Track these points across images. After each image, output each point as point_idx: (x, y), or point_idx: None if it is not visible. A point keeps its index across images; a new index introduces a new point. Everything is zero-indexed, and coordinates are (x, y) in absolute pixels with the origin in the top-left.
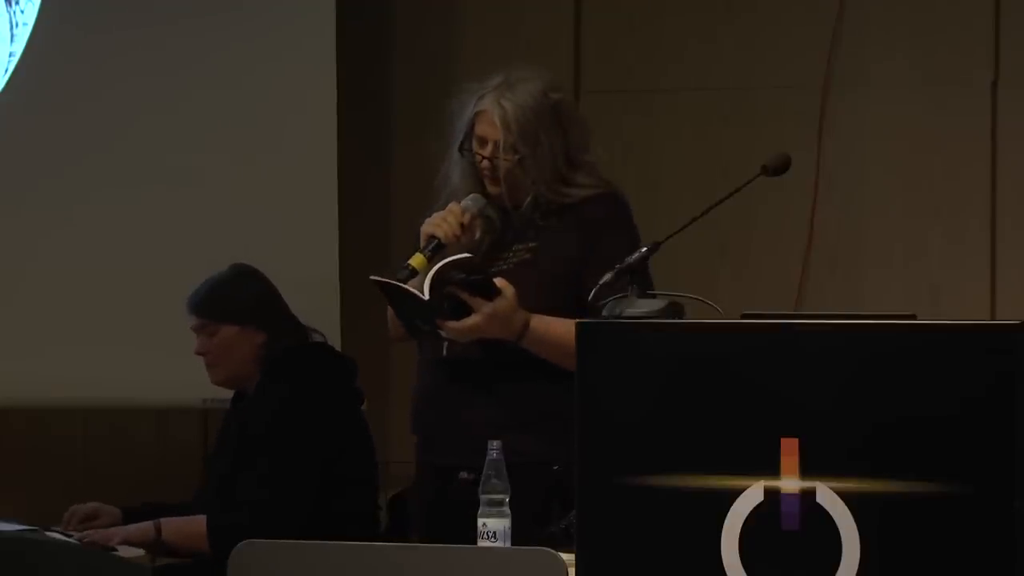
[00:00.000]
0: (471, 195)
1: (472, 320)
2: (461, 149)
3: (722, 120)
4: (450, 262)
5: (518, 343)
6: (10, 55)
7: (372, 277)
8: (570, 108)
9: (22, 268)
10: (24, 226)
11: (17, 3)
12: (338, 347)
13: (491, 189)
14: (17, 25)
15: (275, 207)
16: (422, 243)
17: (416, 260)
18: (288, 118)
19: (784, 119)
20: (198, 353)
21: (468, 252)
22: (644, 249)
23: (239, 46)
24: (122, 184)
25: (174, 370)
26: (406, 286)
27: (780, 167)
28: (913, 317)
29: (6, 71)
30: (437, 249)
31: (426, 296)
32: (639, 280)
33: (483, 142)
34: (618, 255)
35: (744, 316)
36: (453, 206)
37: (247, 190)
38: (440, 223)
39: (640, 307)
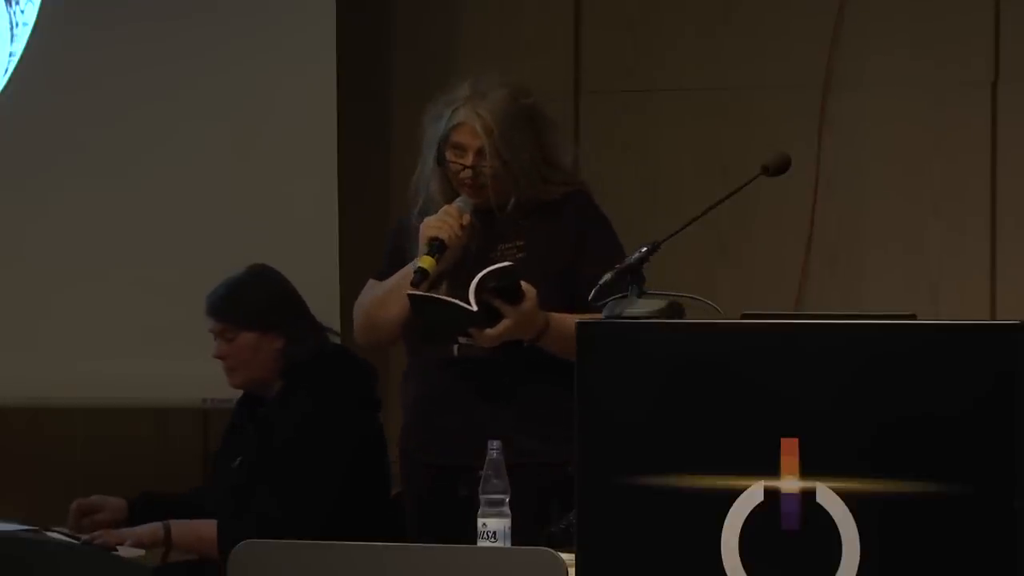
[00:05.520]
0: (460, 197)
1: (503, 326)
2: (439, 160)
3: (722, 120)
4: (489, 272)
5: (536, 342)
6: (10, 55)
7: (409, 292)
8: (542, 111)
9: (22, 267)
10: (24, 225)
11: (17, 3)
12: None
13: (470, 197)
14: (17, 25)
15: (275, 206)
16: (422, 246)
17: (426, 262)
18: (287, 117)
19: (784, 119)
20: (217, 357)
21: (456, 257)
22: (644, 249)
23: (238, 43)
24: (121, 184)
25: (174, 370)
26: (452, 299)
27: (780, 167)
28: (913, 317)
29: (6, 71)
30: (440, 251)
31: (474, 308)
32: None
33: (462, 152)
34: (607, 247)
35: (744, 316)
36: (450, 208)
37: (247, 189)
38: (441, 225)
39: (640, 307)
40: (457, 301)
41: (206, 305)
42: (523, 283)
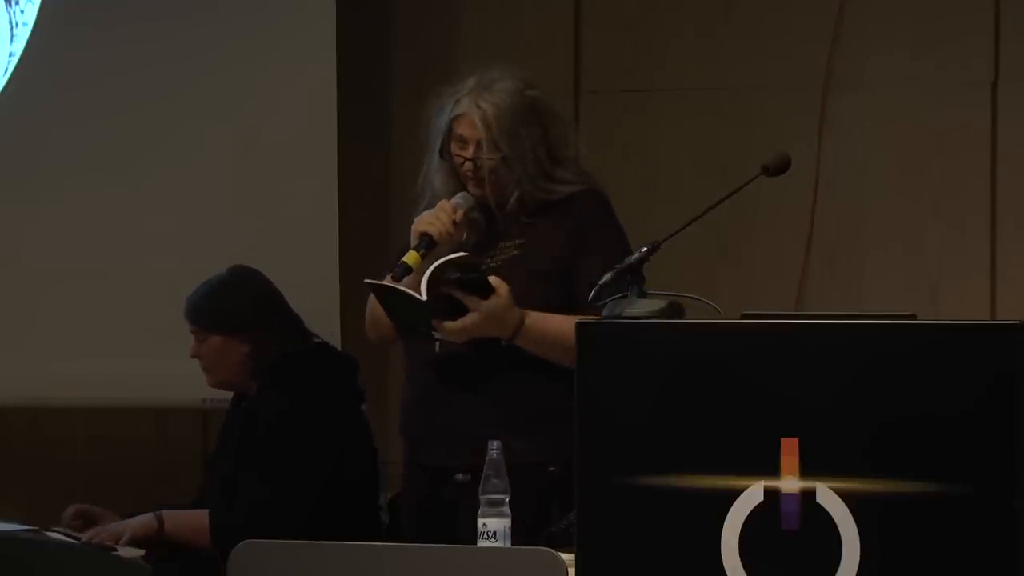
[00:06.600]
0: (460, 193)
1: (468, 319)
2: (441, 153)
3: (722, 120)
4: (446, 261)
5: (512, 341)
6: (10, 55)
7: (367, 280)
8: (547, 105)
9: (22, 267)
10: (24, 225)
11: (17, 3)
12: (338, 348)
13: (474, 190)
14: (17, 25)
15: (275, 206)
16: (413, 241)
17: (410, 257)
18: (287, 117)
19: (784, 119)
20: (192, 356)
21: (455, 252)
22: (644, 249)
23: (238, 43)
24: (121, 183)
25: (174, 370)
26: (403, 288)
27: (780, 167)
28: (913, 317)
29: (6, 71)
30: (429, 246)
31: (424, 297)
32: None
33: (464, 144)
34: (607, 250)
35: (744, 316)
36: (444, 204)
37: (246, 189)
38: (433, 221)
39: (640, 307)
40: (409, 291)
41: (184, 306)
42: (495, 278)
